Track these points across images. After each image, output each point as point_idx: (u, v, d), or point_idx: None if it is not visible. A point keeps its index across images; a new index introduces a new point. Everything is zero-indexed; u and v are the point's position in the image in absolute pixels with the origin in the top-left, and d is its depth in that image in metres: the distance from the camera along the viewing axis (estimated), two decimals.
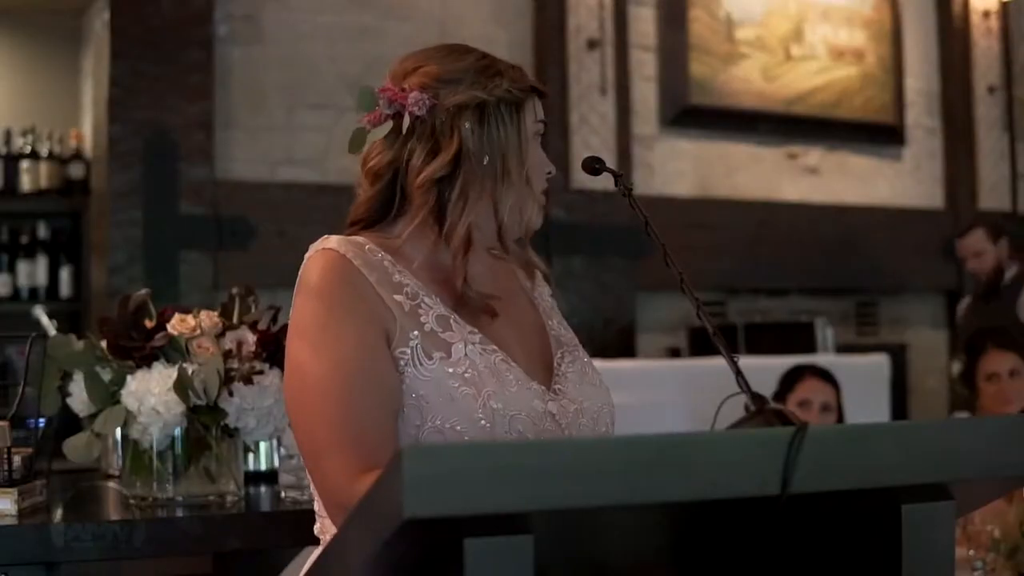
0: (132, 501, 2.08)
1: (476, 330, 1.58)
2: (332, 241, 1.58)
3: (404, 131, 1.60)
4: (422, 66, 1.62)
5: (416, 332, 1.54)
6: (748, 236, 5.33)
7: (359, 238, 1.60)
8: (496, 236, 1.63)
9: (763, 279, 5.43)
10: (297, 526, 2.00)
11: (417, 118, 1.59)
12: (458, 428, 1.51)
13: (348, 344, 1.51)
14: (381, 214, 1.63)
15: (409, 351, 1.53)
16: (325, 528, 1.63)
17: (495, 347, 1.58)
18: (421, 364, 1.52)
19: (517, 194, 1.60)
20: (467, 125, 1.58)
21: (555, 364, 1.66)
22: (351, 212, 1.66)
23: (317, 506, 1.63)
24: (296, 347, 1.54)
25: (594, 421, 1.64)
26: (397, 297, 1.55)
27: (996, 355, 3.85)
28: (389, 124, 1.60)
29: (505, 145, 1.59)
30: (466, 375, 1.53)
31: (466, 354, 1.54)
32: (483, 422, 1.51)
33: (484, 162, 1.58)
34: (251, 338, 2.11)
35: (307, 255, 1.59)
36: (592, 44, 5.00)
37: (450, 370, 1.53)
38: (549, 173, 1.66)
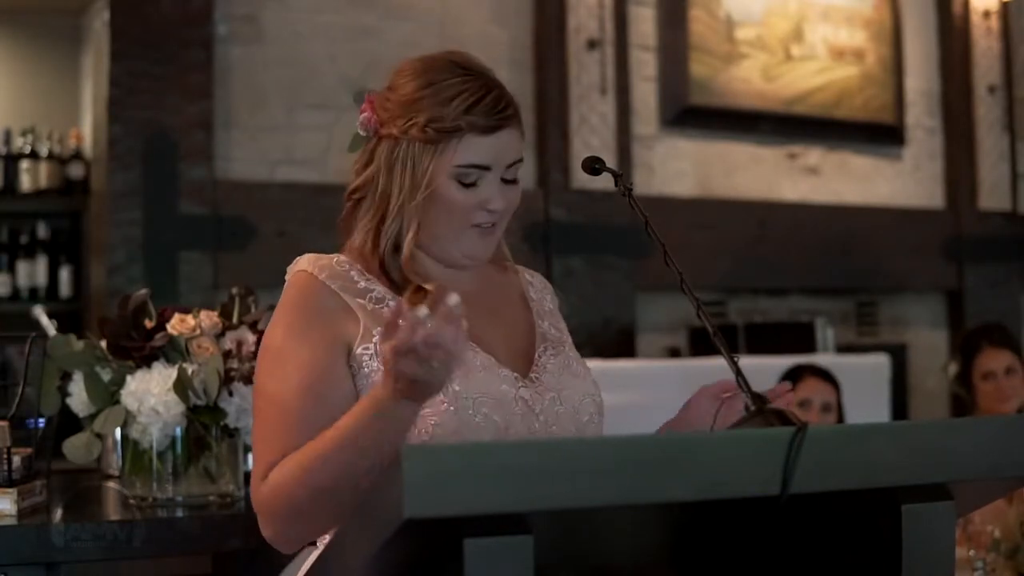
0: (132, 501, 2.08)
1: None
2: (303, 262, 1.68)
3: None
4: (393, 89, 1.69)
5: (379, 328, 1.58)
6: (748, 236, 5.33)
7: (335, 255, 1.69)
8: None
9: (763, 279, 5.43)
10: None
11: (364, 136, 1.70)
12: (425, 409, 1.54)
13: (300, 364, 1.59)
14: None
15: (372, 346, 1.59)
16: None
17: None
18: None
19: (408, 227, 1.65)
20: (382, 157, 1.67)
21: (536, 356, 1.71)
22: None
23: None
24: (258, 366, 1.64)
25: (575, 409, 1.68)
26: (360, 300, 1.63)
27: (992, 353, 3.86)
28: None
29: (406, 183, 1.64)
30: None
31: None
32: (446, 405, 1.56)
33: (389, 194, 1.66)
34: (251, 338, 2.11)
35: (285, 285, 1.68)
36: (592, 44, 5.00)
37: None
38: (491, 211, 1.66)
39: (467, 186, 1.64)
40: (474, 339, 1.64)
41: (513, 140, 1.67)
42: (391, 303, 1.63)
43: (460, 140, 1.63)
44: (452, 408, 1.56)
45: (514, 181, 1.69)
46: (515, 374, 1.65)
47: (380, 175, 1.67)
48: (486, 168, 1.65)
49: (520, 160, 1.69)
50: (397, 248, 1.67)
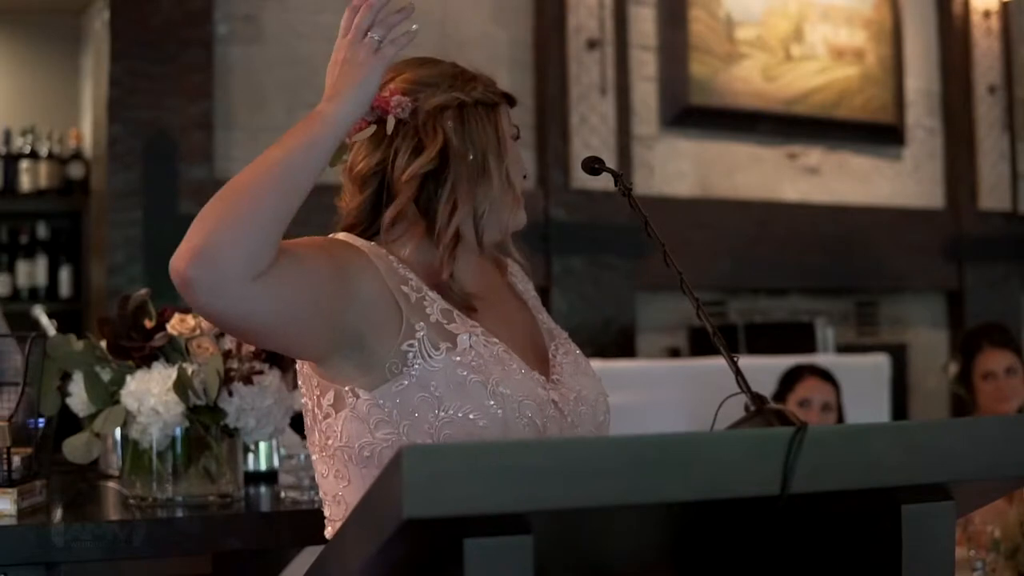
0: (132, 501, 2.08)
1: (478, 324, 1.61)
2: (341, 235, 1.65)
3: (388, 134, 1.64)
4: (399, 74, 1.67)
5: (422, 323, 1.56)
6: (748, 236, 5.33)
7: (362, 240, 1.64)
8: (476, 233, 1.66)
9: (763, 279, 5.43)
10: (297, 526, 2.00)
11: (400, 121, 1.63)
12: (471, 416, 1.53)
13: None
14: (371, 218, 1.67)
15: (416, 343, 1.55)
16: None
17: (496, 339, 1.61)
18: (429, 356, 1.55)
19: (497, 193, 1.64)
20: (449, 124, 1.63)
21: (550, 355, 1.70)
22: (342, 219, 1.70)
23: (336, 510, 1.64)
24: None
25: (593, 409, 1.68)
26: (404, 288, 1.58)
27: (992, 353, 3.86)
28: (372, 129, 1.65)
29: (485, 144, 1.64)
30: (473, 364, 1.56)
31: (471, 345, 1.57)
32: (495, 408, 1.54)
33: (468, 159, 1.62)
34: None
35: None
36: (592, 44, 5.00)
37: (457, 359, 1.55)
38: (524, 176, 1.71)
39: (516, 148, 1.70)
40: (499, 337, 1.62)
41: None
42: (429, 294, 1.59)
43: (503, 106, 1.69)
44: (500, 411, 1.54)
45: None
46: (541, 376, 1.64)
47: (452, 142, 1.62)
48: (518, 135, 1.72)
49: None
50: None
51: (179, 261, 1.43)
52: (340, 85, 1.55)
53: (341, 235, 1.64)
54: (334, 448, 1.60)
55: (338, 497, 1.63)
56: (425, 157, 1.62)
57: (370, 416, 1.55)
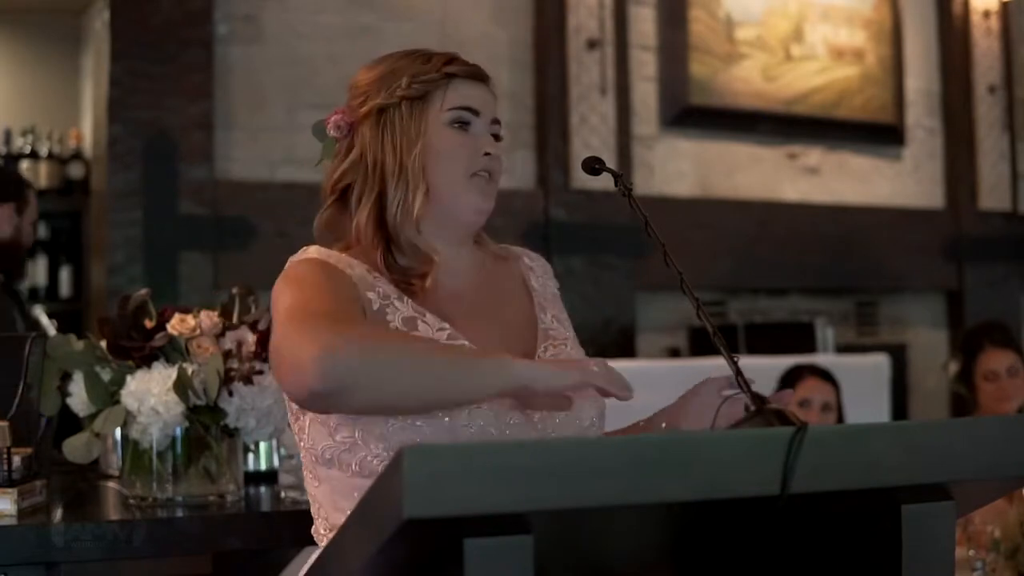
0: (132, 501, 2.08)
1: (447, 326, 1.61)
2: (311, 251, 1.65)
3: (330, 155, 1.72)
4: (352, 84, 1.72)
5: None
6: (748, 236, 5.33)
7: (334, 251, 1.66)
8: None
9: (763, 279, 5.43)
10: (297, 526, 2.00)
11: (343, 138, 1.69)
12: (418, 423, 1.52)
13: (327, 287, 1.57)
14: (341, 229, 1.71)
15: None
16: (319, 528, 1.64)
17: (464, 342, 1.60)
18: None
19: (416, 185, 1.64)
20: (367, 134, 1.67)
21: (536, 357, 1.67)
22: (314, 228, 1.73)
23: (314, 508, 1.65)
24: (278, 310, 1.55)
25: (575, 416, 1.62)
26: (370, 294, 1.60)
27: (994, 353, 3.85)
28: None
29: (400, 142, 1.65)
30: None
31: None
32: (440, 414, 1.52)
33: (384, 162, 1.65)
34: (251, 338, 2.11)
35: (288, 264, 1.64)
36: (592, 44, 5.00)
37: None
38: (486, 153, 1.67)
39: (462, 130, 1.66)
40: (477, 342, 1.61)
41: (491, 98, 1.70)
42: (396, 303, 1.60)
43: (448, 85, 1.66)
44: (447, 419, 1.52)
45: (498, 139, 1.70)
46: None
47: (367, 152, 1.66)
48: (476, 112, 1.67)
49: (500, 122, 1.71)
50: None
51: (314, 381, 1.40)
52: (549, 362, 1.55)
53: (312, 251, 1.65)
54: (305, 449, 1.63)
55: (314, 496, 1.65)
56: (345, 163, 1.68)
57: (330, 419, 1.56)
